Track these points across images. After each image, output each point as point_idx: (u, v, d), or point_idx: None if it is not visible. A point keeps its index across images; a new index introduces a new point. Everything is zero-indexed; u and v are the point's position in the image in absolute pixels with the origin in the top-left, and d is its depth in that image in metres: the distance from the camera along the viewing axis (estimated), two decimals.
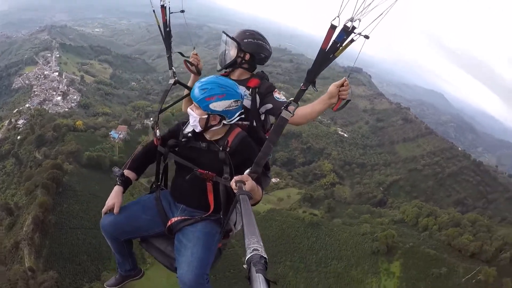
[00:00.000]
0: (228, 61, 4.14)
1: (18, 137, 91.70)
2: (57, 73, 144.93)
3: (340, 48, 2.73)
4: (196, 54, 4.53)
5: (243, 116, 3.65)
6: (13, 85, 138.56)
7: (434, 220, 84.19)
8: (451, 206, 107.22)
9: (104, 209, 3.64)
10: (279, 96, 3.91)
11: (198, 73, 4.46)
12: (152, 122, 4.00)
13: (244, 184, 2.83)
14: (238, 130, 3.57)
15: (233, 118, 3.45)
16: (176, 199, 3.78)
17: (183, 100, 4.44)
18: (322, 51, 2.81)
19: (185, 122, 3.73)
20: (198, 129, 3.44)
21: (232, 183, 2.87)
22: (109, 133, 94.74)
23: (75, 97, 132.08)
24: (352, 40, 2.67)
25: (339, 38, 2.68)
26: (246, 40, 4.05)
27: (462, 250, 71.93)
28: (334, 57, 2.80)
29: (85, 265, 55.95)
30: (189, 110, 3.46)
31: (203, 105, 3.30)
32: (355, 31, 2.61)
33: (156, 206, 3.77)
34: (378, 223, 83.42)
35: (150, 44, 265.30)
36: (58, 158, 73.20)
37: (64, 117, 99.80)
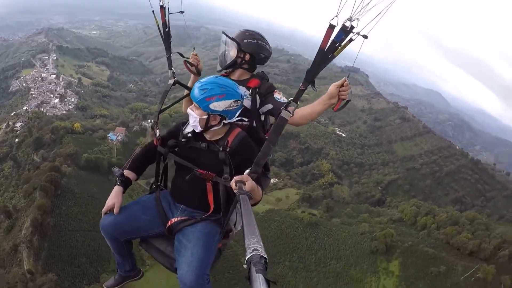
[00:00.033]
0: (228, 62, 4.12)
1: (16, 140, 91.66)
2: (54, 76, 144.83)
3: (339, 47, 2.74)
4: (196, 55, 4.51)
5: (244, 118, 3.67)
6: (11, 88, 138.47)
7: (432, 218, 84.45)
8: (450, 205, 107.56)
9: (104, 209, 3.61)
10: (279, 96, 3.90)
11: (198, 73, 4.44)
12: (152, 122, 4.01)
13: (244, 184, 2.83)
14: (238, 130, 3.55)
15: (233, 118, 3.44)
16: (176, 199, 3.76)
17: (183, 100, 4.43)
18: (321, 50, 2.81)
19: (185, 122, 3.71)
20: (198, 129, 3.42)
21: (232, 183, 2.86)
22: (107, 135, 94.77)
23: (72, 100, 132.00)
24: (351, 40, 2.68)
25: (338, 38, 2.69)
26: (246, 41, 4.04)
27: (461, 248, 72.16)
28: (333, 57, 2.81)
29: (84, 267, 55.91)
30: (189, 110, 3.44)
31: (203, 105, 3.29)
32: (353, 30, 2.62)
33: (156, 206, 3.75)
34: (376, 222, 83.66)
35: (147, 46, 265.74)
36: (56, 160, 73.06)
37: (62, 120, 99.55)
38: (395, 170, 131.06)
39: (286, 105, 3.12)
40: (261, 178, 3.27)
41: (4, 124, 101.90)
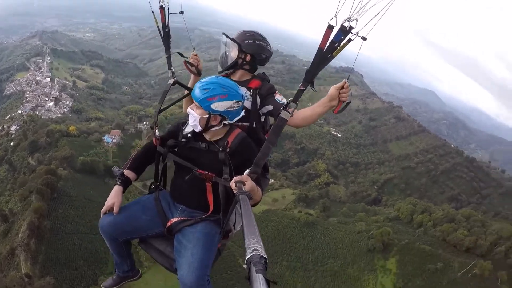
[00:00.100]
0: (229, 63, 4.11)
1: (11, 144, 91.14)
2: (49, 79, 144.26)
3: (338, 48, 2.76)
4: (196, 55, 4.53)
5: (243, 116, 3.65)
6: (5, 91, 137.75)
7: (428, 216, 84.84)
8: (445, 203, 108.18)
9: (103, 209, 3.60)
10: (280, 98, 3.89)
11: (198, 73, 4.47)
12: (152, 122, 3.97)
13: (244, 184, 2.84)
14: (238, 131, 3.54)
15: (234, 119, 3.43)
16: (175, 199, 3.75)
17: (184, 100, 4.46)
18: (320, 51, 2.83)
19: (185, 122, 3.70)
20: (198, 128, 3.41)
21: (232, 184, 2.88)
22: (103, 137, 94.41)
23: (67, 103, 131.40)
24: (349, 40, 2.70)
25: (337, 38, 2.71)
26: (246, 41, 4.02)
27: (457, 245, 72.46)
28: (332, 57, 2.83)
29: (82, 270, 55.61)
30: (189, 109, 3.43)
31: (204, 105, 3.27)
32: (352, 31, 2.64)
33: (155, 206, 3.74)
34: (373, 221, 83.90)
35: (141, 49, 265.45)
36: (52, 163, 72.77)
37: (57, 123, 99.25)
38: (391, 169, 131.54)
39: (286, 105, 3.18)
40: (260, 178, 3.27)
41: None
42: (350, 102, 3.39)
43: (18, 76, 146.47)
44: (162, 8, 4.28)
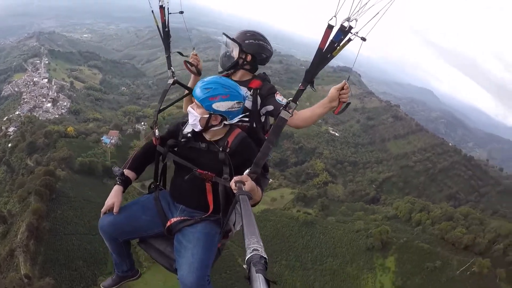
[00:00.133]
0: (230, 63, 4.10)
1: (9, 145, 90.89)
2: (46, 80, 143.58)
3: (338, 47, 2.76)
4: (196, 55, 4.51)
5: (244, 117, 3.65)
6: (3, 92, 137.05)
7: (427, 215, 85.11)
8: (444, 201, 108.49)
9: (103, 209, 3.59)
10: (280, 98, 3.87)
11: (198, 73, 4.46)
12: (151, 122, 3.93)
13: (244, 184, 2.84)
14: (238, 131, 3.53)
15: (234, 120, 3.42)
16: (175, 199, 3.74)
17: (184, 100, 4.46)
18: (319, 50, 2.83)
19: (185, 122, 3.68)
20: (198, 128, 3.40)
21: (232, 184, 2.88)
22: (101, 138, 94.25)
23: (65, 104, 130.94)
24: (349, 40, 2.70)
25: (337, 38, 2.71)
26: (247, 41, 4.01)
27: (456, 243, 72.81)
28: (332, 57, 2.82)
29: (81, 271, 55.60)
30: (189, 108, 3.42)
31: (205, 104, 3.27)
32: (352, 30, 2.64)
33: (155, 206, 3.73)
34: (371, 219, 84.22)
35: (139, 49, 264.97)
36: (50, 164, 72.60)
37: (55, 124, 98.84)
38: (389, 168, 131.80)
39: (286, 105, 3.17)
40: (260, 178, 3.26)
41: None
42: (350, 103, 3.40)
43: (15, 77, 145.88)
44: (162, 8, 4.28)
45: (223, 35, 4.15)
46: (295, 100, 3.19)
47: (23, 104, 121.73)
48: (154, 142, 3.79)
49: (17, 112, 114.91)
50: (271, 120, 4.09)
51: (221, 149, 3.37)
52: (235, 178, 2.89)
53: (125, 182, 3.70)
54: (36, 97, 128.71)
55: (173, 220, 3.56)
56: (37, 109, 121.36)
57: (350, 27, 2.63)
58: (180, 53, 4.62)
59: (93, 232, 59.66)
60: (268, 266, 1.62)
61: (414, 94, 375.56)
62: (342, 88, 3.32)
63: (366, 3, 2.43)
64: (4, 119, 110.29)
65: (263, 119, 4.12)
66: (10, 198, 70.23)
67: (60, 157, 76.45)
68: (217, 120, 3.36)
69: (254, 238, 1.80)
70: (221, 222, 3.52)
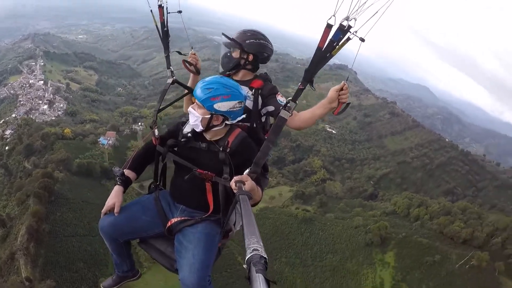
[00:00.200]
0: (231, 64, 4.05)
1: (6, 148, 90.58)
2: (42, 82, 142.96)
3: (337, 47, 2.75)
4: (195, 54, 4.47)
5: (244, 116, 3.63)
6: None
7: (425, 210, 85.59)
8: (441, 196, 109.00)
9: (104, 209, 3.56)
10: (282, 99, 3.83)
11: (197, 72, 4.43)
12: (151, 121, 3.91)
13: (244, 184, 2.83)
14: (238, 130, 3.50)
15: (235, 119, 3.41)
16: (175, 199, 3.72)
17: (184, 100, 4.41)
18: (319, 50, 2.80)
19: (185, 122, 3.65)
20: (199, 128, 3.37)
21: (232, 183, 2.87)
22: (98, 139, 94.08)
23: (61, 105, 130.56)
24: (348, 39, 2.68)
25: (336, 37, 2.69)
26: (248, 41, 3.97)
27: (454, 237, 73.28)
28: (331, 56, 2.80)
29: (82, 272, 55.52)
30: (190, 109, 3.39)
31: (207, 104, 3.24)
32: (351, 30, 2.62)
33: (155, 206, 3.71)
34: (370, 215, 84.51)
35: (134, 50, 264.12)
36: (48, 166, 72.26)
37: (52, 126, 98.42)
38: (387, 164, 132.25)
39: (285, 105, 3.14)
40: (260, 178, 3.25)
41: None
42: (350, 103, 3.39)
43: (11, 79, 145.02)
44: (160, 7, 4.22)
45: (222, 36, 4.11)
46: (294, 99, 3.15)
47: (19, 107, 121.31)
48: (154, 142, 3.77)
49: (13, 115, 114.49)
50: (272, 120, 4.07)
51: (221, 149, 3.35)
52: (235, 178, 2.89)
53: (126, 182, 3.68)
54: (32, 99, 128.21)
55: (174, 220, 3.55)
56: (33, 111, 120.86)
57: (349, 26, 2.61)
58: (179, 52, 4.55)
59: (93, 234, 59.68)
60: (268, 266, 1.61)
61: (410, 91, 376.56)
62: (342, 89, 3.30)
63: (365, 2, 2.43)
64: (1, 122, 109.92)
65: (263, 119, 4.10)
66: (9, 201, 70.03)
67: (57, 159, 76.25)
68: (218, 120, 3.34)
69: (254, 238, 1.79)
70: (221, 222, 3.51)
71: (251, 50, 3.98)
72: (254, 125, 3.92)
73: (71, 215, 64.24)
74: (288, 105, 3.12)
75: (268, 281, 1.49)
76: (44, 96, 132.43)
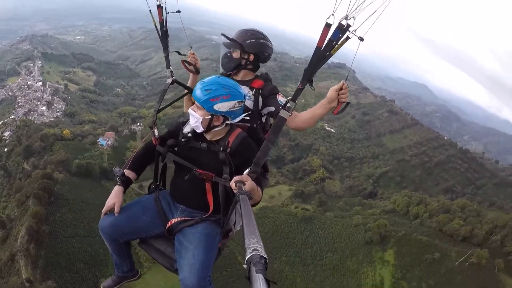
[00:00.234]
0: (232, 64, 4.07)
1: (5, 149, 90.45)
2: (40, 83, 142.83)
3: (336, 46, 2.74)
4: (194, 53, 4.48)
5: (246, 117, 3.64)
6: None
7: (424, 208, 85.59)
8: (441, 194, 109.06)
9: (104, 209, 3.56)
10: (282, 100, 3.83)
11: (196, 72, 4.44)
12: (151, 121, 3.94)
13: (244, 184, 2.84)
14: (238, 130, 3.50)
15: (236, 119, 3.40)
16: (175, 199, 3.72)
17: (184, 100, 4.42)
18: (318, 49, 2.79)
19: (185, 122, 3.64)
20: (200, 129, 3.37)
21: (232, 183, 2.87)
22: (97, 140, 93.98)
23: (60, 106, 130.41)
24: (347, 38, 2.67)
25: (334, 36, 2.68)
26: (248, 41, 3.97)
27: (454, 235, 73.35)
28: (330, 55, 2.80)
29: (83, 273, 55.44)
30: (190, 110, 3.38)
31: (207, 106, 3.23)
32: (350, 29, 2.61)
33: (155, 206, 3.71)
34: (369, 214, 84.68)
35: (132, 50, 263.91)
36: (47, 168, 72.22)
37: (51, 127, 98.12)
38: (386, 163, 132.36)
39: (285, 104, 3.11)
40: (260, 178, 3.25)
41: None
42: (349, 102, 3.39)
43: (9, 81, 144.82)
44: (159, 7, 4.21)
45: (222, 36, 4.13)
46: (294, 99, 3.12)
47: (17, 108, 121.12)
48: (154, 142, 3.78)
49: (12, 116, 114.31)
50: (272, 120, 4.06)
51: (221, 149, 3.35)
52: (235, 178, 2.89)
53: (126, 183, 3.69)
54: (31, 101, 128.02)
55: (174, 220, 3.56)
56: (32, 112, 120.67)
57: (348, 25, 2.61)
58: (179, 53, 4.54)
59: (93, 234, 59.66)
60: (268, 266, 1.62)
61: (409, 89, 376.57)
62: (341, 88, 3.30)
63: (364, 1, 2.43)
64: None
65: (264, 119, 4.11)
66: (8, 202, 69.90)
67: (57, 160, 76.13)
68: (219, 120, 3.33)
69: (254, 238, 1.80)
70: (221, 222, 3.51)
71: (252, 50, 3.99)
72: (255, 125, 3.92)
73: (71, 216, 64.16)
74: (287, 105, 3.09)
75: (268, 281, 1.49)
76: (42, 98, 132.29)
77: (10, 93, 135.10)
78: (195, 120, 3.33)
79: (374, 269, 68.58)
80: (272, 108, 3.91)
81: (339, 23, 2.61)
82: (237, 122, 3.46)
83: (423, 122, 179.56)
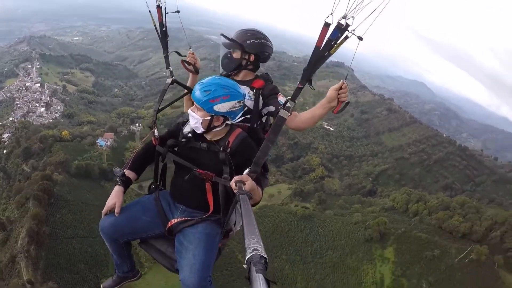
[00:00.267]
0: (232, 65, 4.04)
1: (4, 151, 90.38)
2: (38, 84, 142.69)
3: (335, 45, 2.74)
4: (193, 53, 4.43)
5: (247, 116, 3.66)
6: None
7: (423, 205, 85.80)
8: (440, 191, 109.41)
9: (104, 210, 3.56)
10: (283, 100, 3.75)
11: (196, 72, 4.41)
12: (151, 121, 3.91)
13: (244, 184, 2.82)
14: (238, 130, 3.48)
15: (236, 118, 3.38)
16: (175, 199, 3.71)
17: (184, 99, 4.37)
18: (317, 48, 2.79)
19: (185, 122, 3.63)
20: (200, 130, 3.35)
21: (232, 183, 2.86)
22: (96, 141, 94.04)
23: (58, 107, 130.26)
24: (346, 37, 2.66)
25: (333, 36, 2.68)
26: (249, 41, 3.94)
27: (453, 232, 73.57)
28: (329, 55, 2.80)
29: (83, 274, 55.57)
30: (189, 111, 3.37)
31: (207, 107, 3.21)
32: (349, 28, 2.60)
33: (155, 207, 3.70)
34: (369, 211, 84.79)
35: (130, 50, 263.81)
36: (46, 169, 72.27)
37: (49, 128, 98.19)
38: (385, 161, 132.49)
39: (284, 104, 3.11)
40: (260, 178, 3.25)
41: None
42: (349, 102, 3.37)
43: (7, 83, 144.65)
44: (159, 7, 4.16)
45: (221, 37, 4.09)
46: (293, 98, 3.11)
47: (16, 110, 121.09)
48: (154, 142, 3.77)
49: (10, 118, 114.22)
50: (272, 120, 3.97)
51: (221, 149, 3.34)
52: (235, 177, 2.87)
53: (126, 183, 3.68)
54: (29, 102, 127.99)
55: (174, 221, 3.54)
56: (30, 114, 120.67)
57: (347, 25, 2.60)
58: (178, 53, 4.51)
59: (93, 235, 59.77)
60: (268, 266, 1.62)
61: (407, 87, 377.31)
62: (341, 88, 3.27)
63: (363, 1, 2.44)
64: None
65: (264, 119, 4.09)
66: (8, 204, 69.90)
67: (56, 161, 76.16)
68: (219, 121, 3.32)
69: (254, 238, 1.80)
70: (221, 222, 3.50)
71: (252, 50, 3.97)
72: (255, 125, 3.91)
73: (71, 216, 64.27)
74: (287, 104, 3.09)
75: (268, 281, 1.49)
76: (41, 99, 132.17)
77: (8, 94, 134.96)
78: (195, 121, 3.32)
79: (374, 266, 68.70)
80: (272, 108, 3.88)
81: (338, 23, 2.62)
82: (237, 122, 3.44)
83: (421, 120, 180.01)
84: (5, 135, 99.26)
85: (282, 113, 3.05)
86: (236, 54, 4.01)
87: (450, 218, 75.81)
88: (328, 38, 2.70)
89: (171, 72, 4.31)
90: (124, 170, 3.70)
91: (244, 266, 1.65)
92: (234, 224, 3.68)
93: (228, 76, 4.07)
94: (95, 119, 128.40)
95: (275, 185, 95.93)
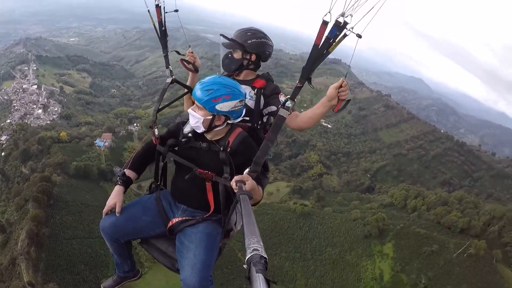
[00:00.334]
0: (234, 65, 4.02)
1: (2, 154, 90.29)
2: (35, 86, 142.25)
3: (334, 43, 2.74)
4: (192, 52, 4.43)
5: (246, 118, 3.66)
6: None
7: (422, 201, 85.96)
8: (438, 187, 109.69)
9: (105, 209, 3.57)
10: (284, 99, 3.52)
11: (195, 71, 4.40)
12: (150, 121, 3.93)
13: (245, 184, 2.82)
14: (239, 130, 3.47)
15: (238, 118, 3.38)
16: (176, 199, 3.71)
17: (184, 99, 4.36)
18: (315, 47, 2.79)
19: (185, 121, 3.62)
20: (201, 130, 3.34)
21: (232, 183, 2.85)
22: (94, 142, 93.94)
23: (56, 109, 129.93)
24: (345, 35, 2.67)
25: (332, 34, 2.68)
26: (250, 41, 3.92)
27: (451, 227, 73.79)
28: (328, 53, 2.80)
29: (84, 275, 55.64)
30: (190, 111, 3.35)
31: (209, 106, 3.20)
32: (347, 26, 2.61)
33: (156, 206, 3.70)
34: (367, 208, 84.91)
35: (127, 50, 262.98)
36: (45, 170, 72.18)
37: (47, 130, 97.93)
38: (383, 157, 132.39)
39: (284, 103, 3.10)
40: (261, 178, 3.25)
41: None
42: (350, 100, 3.37)
43: (4, 85, 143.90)
44: (158, 7, 4.17)
45: (221, 37, 4.09)
46: (293, 97, 3.10)
47: (13, 112, 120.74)
48: (154, 142, 3.77)
49: (8, 120, 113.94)
50: (273, 119, 3.83)
51: (222, 149, 3.33)
52: (236, 177, 2.86)
53: (126, 183, 3.68)
54: (27, 104, 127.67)
55: (175, 220, 3.54)
56: (28, 116, 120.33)
57: (345, 23, 2.61)
58: (178, 52, 4.52)
59: (93, 236, 59.89)
60: (268, 266, 1.63)
61: (405, 83, 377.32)
62: (340, 86, 3.27)
63: None
64: None
65: (265, 119, 4.05)
66: (7, 207, 69.83)
67: (55, 162, 76.07)
68: (220, 120, 3.31)
69: (254, 238, 1.81)
70: (222, 222, 3.49)
71: (254, 49, 3.96)
72: (256, 125, 3.92)
73: (71, 217, 64.29)
74: (286, 103, 3.09)
75: (268, 281, 1.49)
76: (38, 101, 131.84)
77: (5, 97, 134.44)
78: (196, 120, 3.30)
79: (374, 262, 68.94)
80: (273, 108, 3.86)
81: (336, 21, 2.62)
82: (238, 121, 3.45)
83: (419, 116, 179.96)
84: (3, 138, 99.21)
85: (282, 112, 3.07)
86: (237, 54, 4.00)
87: (449, 214, 76.01)
88: (327, 36, 2.71)
89: (171, 71, 4.32)
90: (125, 170, 3.72)
91: (244, 266, 1.65)
92: (235, 224, 3.69)
93: (229, 75, 4.03)
94: (93, 120, 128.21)
95: (273, 183, 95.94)
